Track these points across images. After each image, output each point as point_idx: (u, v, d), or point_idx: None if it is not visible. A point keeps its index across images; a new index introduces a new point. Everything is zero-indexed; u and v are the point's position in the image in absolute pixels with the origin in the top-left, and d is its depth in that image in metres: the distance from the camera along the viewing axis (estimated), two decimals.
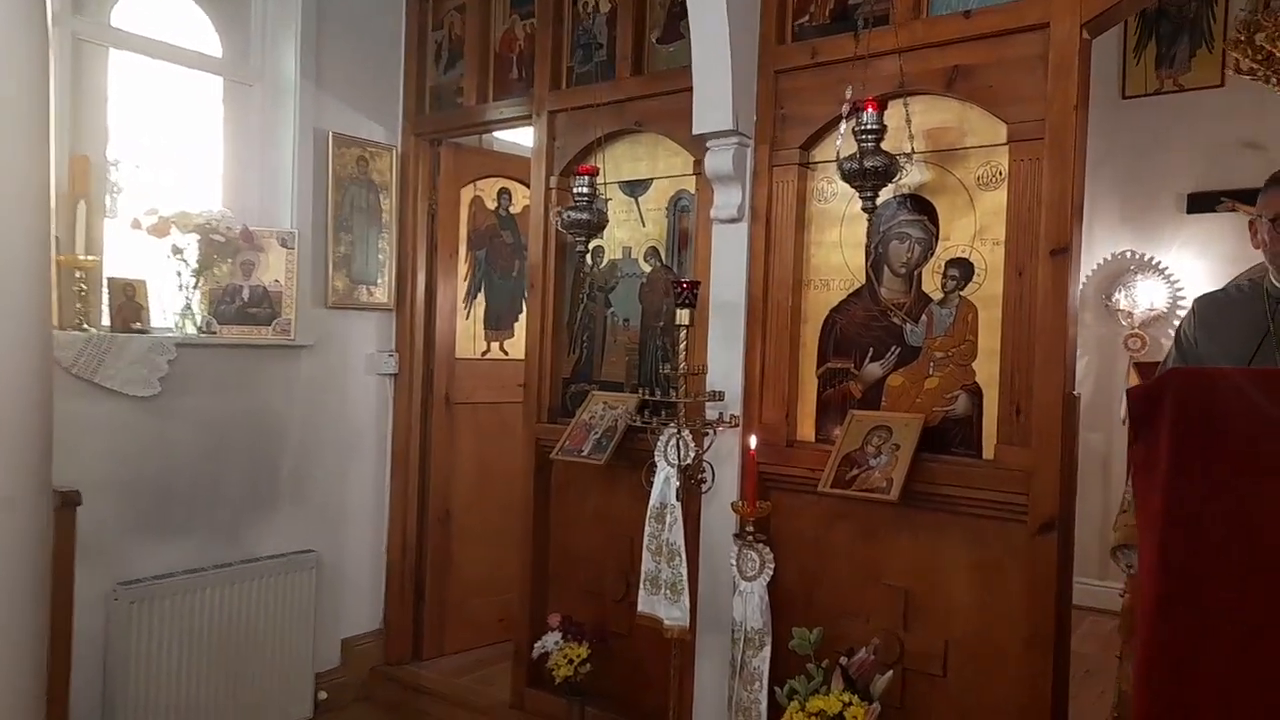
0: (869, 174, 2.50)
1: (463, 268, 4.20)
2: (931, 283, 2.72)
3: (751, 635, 2.73)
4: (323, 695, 3.79)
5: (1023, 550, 2.49)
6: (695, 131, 2.94)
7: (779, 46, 2.96)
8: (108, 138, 3.32)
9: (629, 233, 3.41)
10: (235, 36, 3.68)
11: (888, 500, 2.55)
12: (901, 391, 2.77)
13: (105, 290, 3.23)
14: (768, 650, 2.71)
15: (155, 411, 3.26)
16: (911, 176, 2.70)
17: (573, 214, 3.10)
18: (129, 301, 3.24)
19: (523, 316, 4.32)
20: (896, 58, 2.67)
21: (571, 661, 3.11)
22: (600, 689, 3.21)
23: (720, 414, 2.92)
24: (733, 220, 3.00)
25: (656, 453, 2.90)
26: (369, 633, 4.07)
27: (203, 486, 3.44)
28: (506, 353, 4.34)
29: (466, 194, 4.19)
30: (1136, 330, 4.95)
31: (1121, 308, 4.97)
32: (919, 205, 2.75)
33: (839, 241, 2.91)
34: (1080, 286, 2.68)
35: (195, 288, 3.44)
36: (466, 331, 4.23)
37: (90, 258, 3.10)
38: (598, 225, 3.14)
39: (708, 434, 2.89)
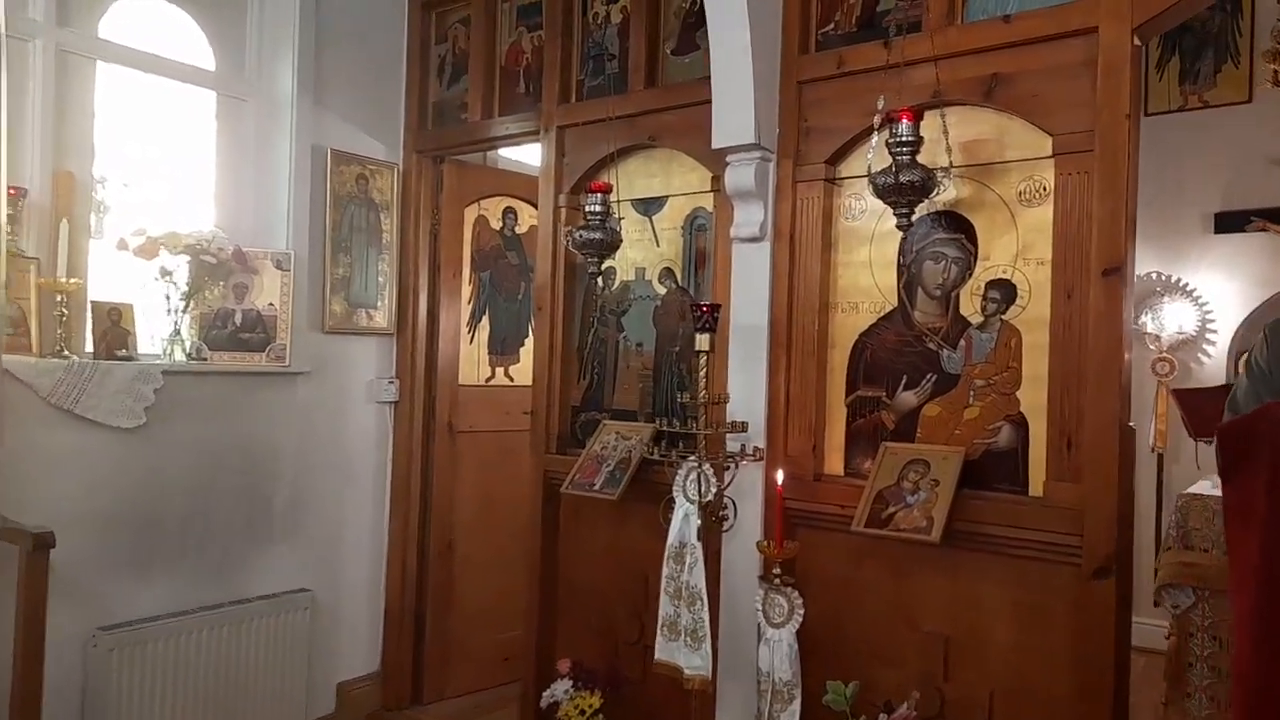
0: (905, 189, 2.33)
1: (466, 290, 4.03)
2: (970, 305, 2.55)
3: (780, 688, 2.52)
4: None
5: (1075, 595, 2.30)
6: (715, 145, 2.78)
7: (802, 56, 2.80)
8: (94, 154, 3.16)
9: (642, 253, 3.24)
10: (229, 49, 3.53)
11: (928, 541, 2.36)
12: (939, 422, 2.58)
13: (89, 315, 3.05)
14: (797, 705, 2.51)
15: (140, 443, 3.08)
16: (947, 193, 2.53)
17: (585, 233, 2.93)
18: (114, 327, 3.06)
19: (529, 341, 4.16)
20: (930, 66, 2.51)
21: (584, 713, 2.91)
22: None
23: (743, 446, 2.73)
24: (754, 239, 2.82)
25: (675, 488, 2.71)
26: (366, 675, 3.86)
27: (190, 523, 3.25)
28: (512, 379, 4.16)
29: (470, 213, 4.02)
30: (1165, 354, 4.76)
31: (1149, 331, 4.79)
32: (955, 223, 2.58)
33: (868, 261, 2.73)
34: None
35: (185, 312, 3.26)
36: (470, 357, 4.05)
37: (73, 280, 2.93)
38: (611, 245, 2.97)
39: (729, 468, 2.70)
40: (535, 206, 3.87)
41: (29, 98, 2.94)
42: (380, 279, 3.84)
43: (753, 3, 2.65)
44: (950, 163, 2.44)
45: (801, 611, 2.53)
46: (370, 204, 3.79)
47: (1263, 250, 4.59)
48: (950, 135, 2.48)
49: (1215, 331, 4.74)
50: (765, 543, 2.59)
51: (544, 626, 3.37)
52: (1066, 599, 2.32)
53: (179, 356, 3.22)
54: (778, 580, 2.56)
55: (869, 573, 2.65)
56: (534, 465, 3.42)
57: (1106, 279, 2.27)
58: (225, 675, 3.23)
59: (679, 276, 3.16)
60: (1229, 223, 4.70)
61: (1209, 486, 3.56)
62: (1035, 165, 2.44)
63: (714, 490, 2.65)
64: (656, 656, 2.70)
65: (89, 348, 3.04)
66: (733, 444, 2.75)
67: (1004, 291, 2.50)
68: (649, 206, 3.23)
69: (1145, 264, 4.99)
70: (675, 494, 2.71)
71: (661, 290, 3.19)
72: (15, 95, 2.77)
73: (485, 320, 4.10)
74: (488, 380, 4.12)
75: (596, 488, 3.02)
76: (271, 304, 3.45)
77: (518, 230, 4.16)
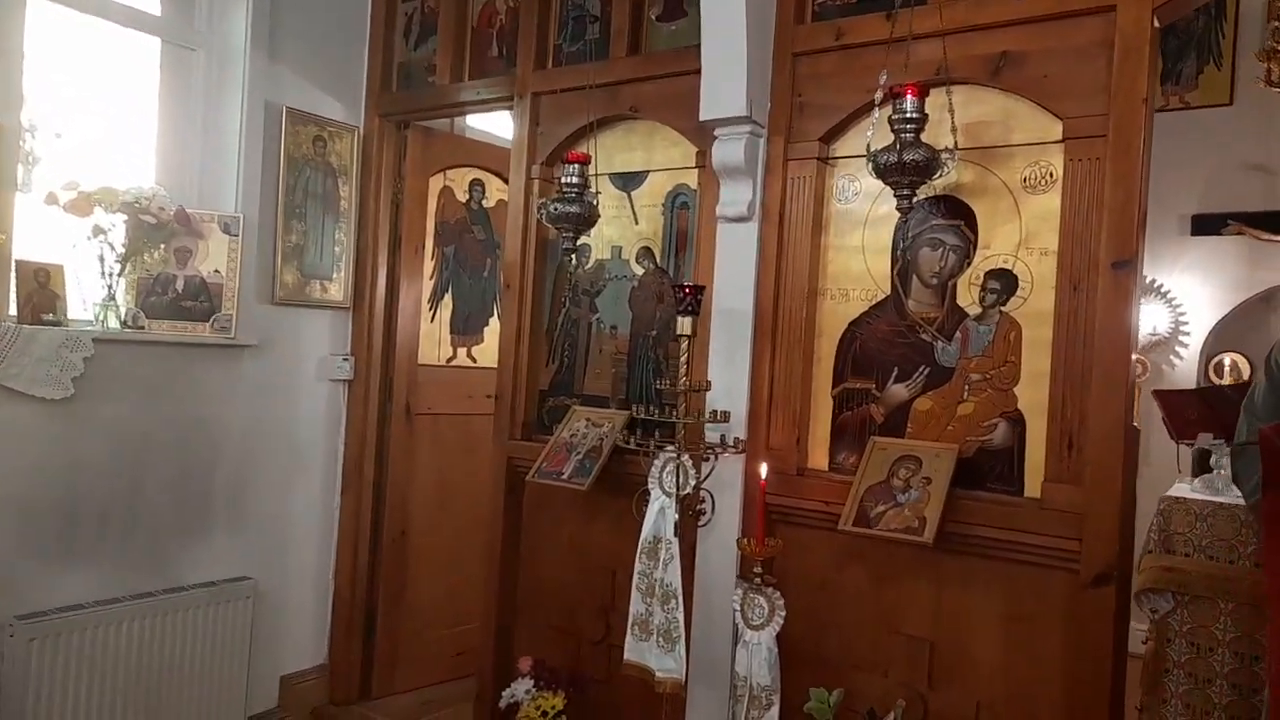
0: (908, 168, 2.19)
1: (429, 265, 3.81)
2: (968, 296, 2.42)
3: (758, 693, 2.38)
4: None
5: (1071, 603, 2.19)
6: (703, 117, 2.61)
7: (798, 26, 2.65)
8: (22, 100, 2.87)
9: (619, 231, 3.06)
10: None
11: (920, 542, 2.23)
12: (930, 417, 2.45)
13: (13, 275, 2.78)
14: (775, 711, 2.37)
15: (67, 417, 2.83)
16: (947, 176, 2.38)
17: (560, 206, 2.75)
18: (41, 289, 2.80)
19: (493, 321, 3.96)
20: (933, 42, 2.36)
21: (545, 714, 2.74)
22: None
23: (722, 437, 2.58)
24: (741, 219, 2.67)
25: (651, 479, 2.55)
26: (312, 669, 3.65)
27: (122, 505, 3.00)
28: (475, 360, 3.96)
29: (435, 184, 3.80)
30: (1138, 356, 4.72)
31: None
32: (954, 208, 2.44)
33: (861, 246, 2.59)
34: None
35: (121, 275, 3.01)
36: (431, 335, 3.84)
37: None
38: (588, 219, 2.79)
39: (708, 459, 2.55)
40: (504, 180, 3.69)
41: None
42: (336, 249, 3.61)
43: None
44: (956, 143, 2.30)
45: (783, 613, 2.40)
46: (328, 168, 3.55)
47: (1238, 254, 4.58)
48: (955, 115, 2.34)
49: (1188, 334, 4.72)
50: (746, 540, 2.44)
51: (503, 622, 3.20)
52: (1061, 607, 2.21)
53: (113, 324, 2.97)
54: (758, 580, 2.42)
55: (853, 574, 2.52)
56: (497, 452, 3.24)
57: (1117, 271, 2.15)
58: (159, 668, 3.00)
59: (658, 257, 2.98)
60: (1205, 225, 4.67)
61: (1187, 490, 3.50)
62: (1042, 150, 2.31)
63: (693, 483, 2.49)
64: (626, 657, 2.55)
65: (13, 310, 2.77)
66: (712, 434, 2.60)
67: (1004, 282, 2.37)
68: (628, 182, 3.05)
69: None
70: (651, 485, 2.55)
71: (639, 270, 3.02)
72: None
73: (448, 297, 3.89)
74: (449, 361, 3.91)
75: (565, 477, 2.85)
76: (217, 271, 3.20)
77: (485, 204, 3.95)
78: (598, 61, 3.05)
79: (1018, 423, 2.33)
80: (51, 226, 2.90)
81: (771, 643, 2.40)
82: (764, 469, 2.46)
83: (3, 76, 2.81)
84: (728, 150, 2.61)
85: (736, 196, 2.65)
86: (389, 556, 3.74)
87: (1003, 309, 2.37)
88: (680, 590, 2.47)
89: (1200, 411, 3.51)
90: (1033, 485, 2.28)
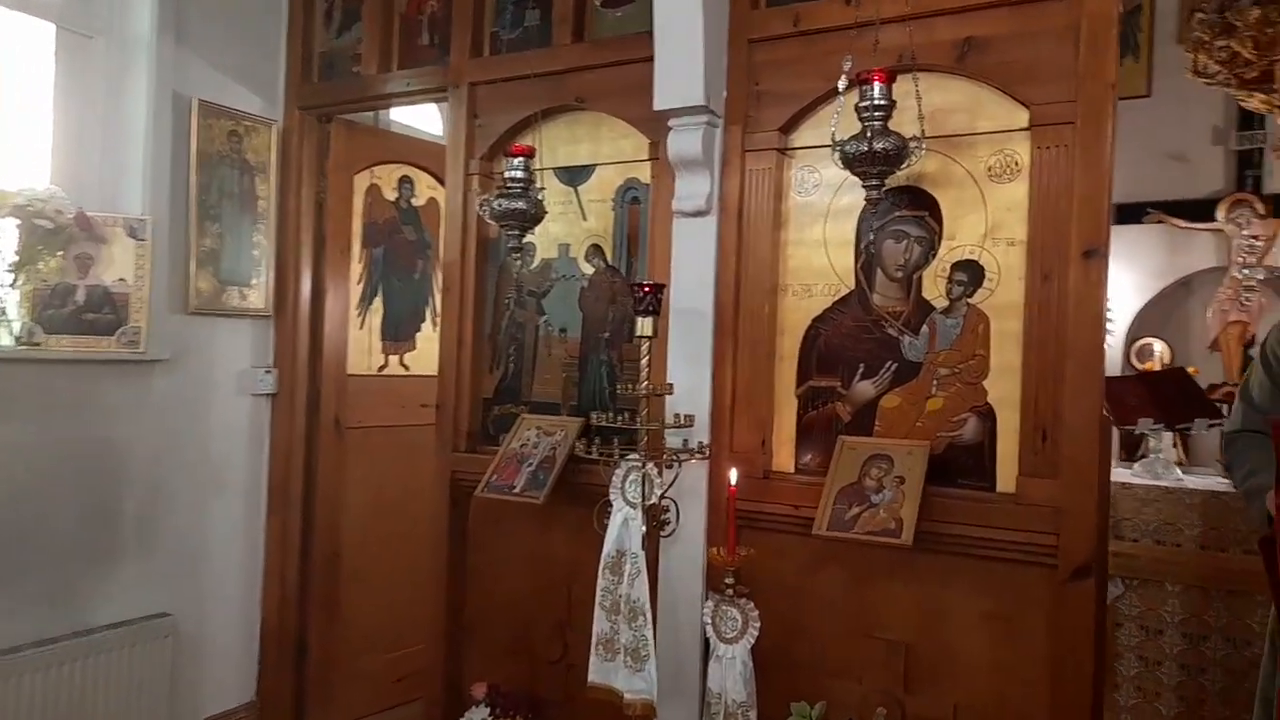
0: (878, 158, 2.11)
1: (356, 268, 3.59)
2: (934, 288, 2.36)
3: (733, 710, 2.26)
4: None
5: (1050, 599, 2.15)
6: (657, 106, 2.49)
7: (754, 11, 2.55)
8: None
9: (566, 227, 2.91)
10: None
11: (899, 545, 2.15)
12: (899, 414, 2.38)
13: None
14: None
15: None
16: (910, 166, 2.32)
17: (505, 202, 2.59)
18: None
19: (426, 326, 3.77)
20: (899, 27, 2.29)
21: None
22: None
23: (685, 442, 2.46)
24: (699, 213, 2.55)
25: (612, 489, 2.41)
26: (239, 707, 3.40)
27: (19, 541, 2.71)
28: (408, 368, 3.75)
29: (361, 181, 3.58)
30: None
31: None
32: (918, 199, 2.38)
33: (822, 240, 2.51)
34: None
35: (14, 287, 2.74)
36: (360, 343, 3.62)
37: None
38: (534, 216, 2.64)
39: (672, 466, 2.43)
40: (435, 176, 3.50)
41: None
42: (255, 253, 3.35)
43: None
44: (923, 131, 2.23)
45: (757, 625, 2.29)
46: (244, 166, 3.29)
47: (1159, 242, 4.69)
48: (920, 102, 2.27)
49: (1112, 320, 4.81)
50: (716, 550, 2.33)
51: (452, 647, 3.01)
52: (1040, 603, 2.17)
53: (5, 341, 2.69)
54: (730, 591, 2.31)
55: (824, 579, 2.43)
56: (439, 465, 3.04)
57: (1088, 261, 2.12)
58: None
59: (609, 255, 2.85)
60: (1127, 214, 4.77)
61: (1128, 475, 3.56)
62: (1008, 138, 2.27)
63: (659, 492, 2.37)
64: (590, 679, 2.40)
65: None
66: (674, 440, 2.48)
67: (971, 273, 2.32)
68: (574, 176, 2.91)
69: None
70: (613, 496, 2.41)
71: (589, 269, 2.88)
72: None
73: (378, 302, 3.67)
74: (380, 370, 3.69)
75: (518, 490, 2.68)
76: (123, 279, 2.93)
77: (415, 202, 3.74)
78: (540, 49, 2.90)
79: (988, 417, 2.27)
80: None
81: (746, 656, 2.29)
82: (734, 474, 2.35)
83: None
84: (684, 141, 2.50)
85: (694, 190, 2.54)
86: (320, 580, 3.51)
87: (970, 301, 2.31)
88: (648, 606, 2.34)
89: (1139, 397, 3.57)
90: (1005, 480, 2.23)
